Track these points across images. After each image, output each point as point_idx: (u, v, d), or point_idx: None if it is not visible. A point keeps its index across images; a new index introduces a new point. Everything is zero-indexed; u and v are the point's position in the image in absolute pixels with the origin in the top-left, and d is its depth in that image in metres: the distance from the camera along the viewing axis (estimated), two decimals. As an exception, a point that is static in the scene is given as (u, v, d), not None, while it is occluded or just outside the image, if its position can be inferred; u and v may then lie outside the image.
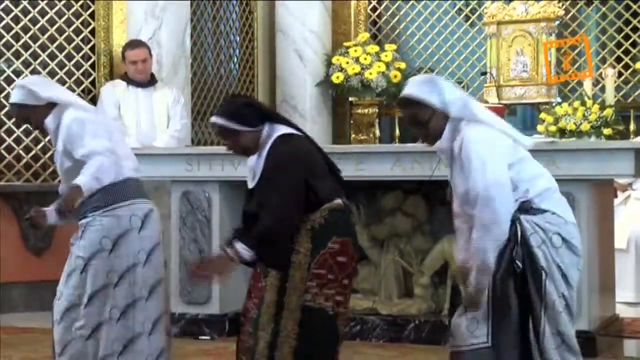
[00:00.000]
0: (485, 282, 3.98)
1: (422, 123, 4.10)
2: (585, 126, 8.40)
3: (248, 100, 4.55)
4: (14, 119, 7.58)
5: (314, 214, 4.21)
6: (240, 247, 4.15)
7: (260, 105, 4.48)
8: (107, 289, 4.58)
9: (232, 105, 4.35)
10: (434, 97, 4.08)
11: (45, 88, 4.70)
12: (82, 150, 4.49)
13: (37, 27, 7.75)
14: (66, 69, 7.90)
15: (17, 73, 7.68)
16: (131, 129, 7.28)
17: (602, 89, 8.89)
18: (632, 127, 8.72)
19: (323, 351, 4.28)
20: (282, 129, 4.27)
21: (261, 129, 4.26)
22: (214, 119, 4.30)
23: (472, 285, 3.99)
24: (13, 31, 7.70)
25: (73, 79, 7.90)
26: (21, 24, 7.72)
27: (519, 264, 3.97)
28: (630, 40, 9.07)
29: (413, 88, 4.13)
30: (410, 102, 4.10)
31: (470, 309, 4.07)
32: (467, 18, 9.63)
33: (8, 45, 7.69)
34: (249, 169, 4.32)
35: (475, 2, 9.58)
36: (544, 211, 4.06)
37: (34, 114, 4.64)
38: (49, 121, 4.63)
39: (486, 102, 8.05)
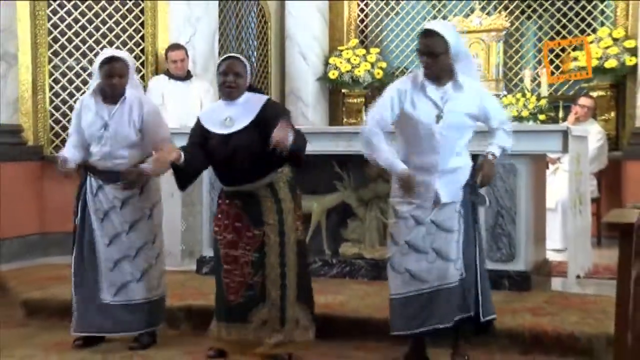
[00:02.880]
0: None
1: (435, 55, 3.88)
2: (525, 113, 8.51)
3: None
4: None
5: (282, 169, 4.28)
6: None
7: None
8: (161, 228, 4.88)
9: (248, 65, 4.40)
10: (452, 38, 3.89)
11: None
12: (159, 137, 4.66)
13: (99, 33, 7.71)
14: (121, 66, 7.86)
15: (84, 69, 7.66)
16: (172, 113, 7.17)
17: (539, 85, 8.97)
18: (561, 114, 8.68)
19: (308, 269, 4.49)
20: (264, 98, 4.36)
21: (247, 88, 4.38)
22: (241, 57, 4.34)
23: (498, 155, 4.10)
24: (80, 36, 7.69)
25: (126, 74, 7.88)
26: (86, 31, 7.69)
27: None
28: (560, 47, 9.04)
29: (440, 25, 3.92)
30: (434, 34, 3.88)
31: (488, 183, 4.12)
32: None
33: (77, 47, 7.68)
34: (226, 118, 4.29)
35: (440, 15, 9.58)
36: None
37: (126, 76, 4.61)
38: (129, 92, 4.65)
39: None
